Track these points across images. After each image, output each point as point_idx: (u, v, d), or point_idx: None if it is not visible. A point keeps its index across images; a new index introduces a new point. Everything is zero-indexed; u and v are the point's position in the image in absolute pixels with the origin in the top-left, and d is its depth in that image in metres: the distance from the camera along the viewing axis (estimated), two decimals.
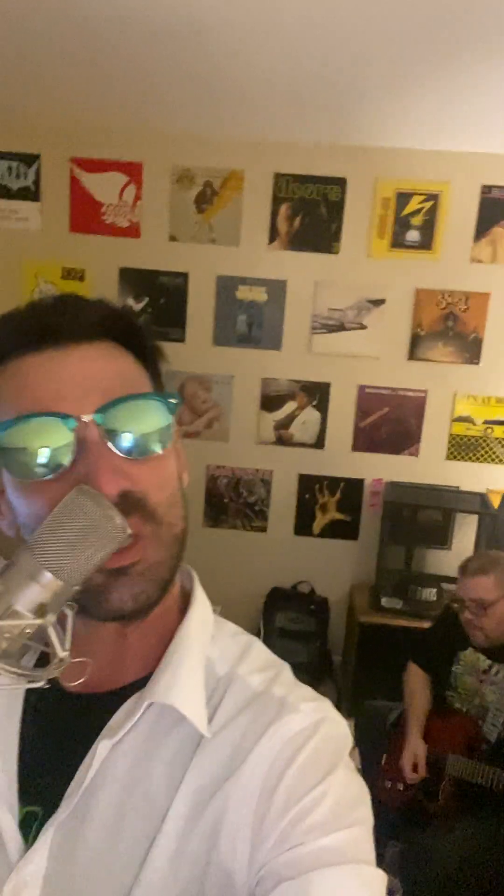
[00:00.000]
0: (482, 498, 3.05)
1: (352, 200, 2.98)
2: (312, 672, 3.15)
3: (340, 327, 3.07)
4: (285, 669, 0.59)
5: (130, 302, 3.11)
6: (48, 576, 0.43)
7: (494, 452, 3.11)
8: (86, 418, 0.47)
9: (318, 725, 0.52)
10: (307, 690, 0.57)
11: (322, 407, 3.15)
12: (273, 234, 3.03)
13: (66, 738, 0.54)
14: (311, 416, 3.16)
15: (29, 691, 0.56)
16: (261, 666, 0.57)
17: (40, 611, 0.43)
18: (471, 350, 3.05)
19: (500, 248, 2.97)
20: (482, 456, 3.12)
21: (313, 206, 2.99)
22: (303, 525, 3.26)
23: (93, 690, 0.55)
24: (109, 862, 0.49)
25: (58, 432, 0.47)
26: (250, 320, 3.10)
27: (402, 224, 2.98)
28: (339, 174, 2.96)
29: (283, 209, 3.00)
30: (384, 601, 2.94)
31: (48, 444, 0.47)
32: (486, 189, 2.92)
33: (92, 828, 0.50)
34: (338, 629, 3.27)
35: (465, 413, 3.10)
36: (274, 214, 3.00)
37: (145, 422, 0.49)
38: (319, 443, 3.18)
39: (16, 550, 0.45)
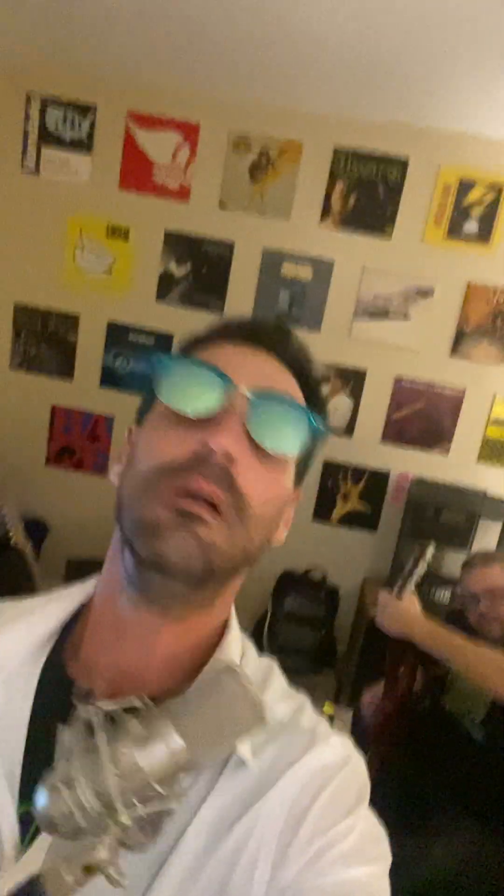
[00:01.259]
0: None
1: (411, 184, 2.87)
2: (315, 659, 3.14)
3: (384, 315, 2.99)
4: (307, 701, 0.59)
5: (172, 266, 3.05)
6: (178, 743, 0.41)
7: None
8: (243, 390, 0.51)
9: (347, 760, 0.54)
10: (328, 725, 0.57)
11: (355, 394, 3.08)
12: (325, 212, 2.93)
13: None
14: (343, 402, 3.09)
15: (41, 691, 0.55)
16: (284, 694, 0.58)
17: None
18: None
19: None
20: None
21: (371, 186, 2.88)
22: (322, 511, 3.22)
23: (113, 695, 0.53)
24: None
25: (214, 385, 0.51)
26: (292, 298, 3.03)
27: (460, 213, 2.86)
28: (402, 155, 2.84)
29: (339, 186, 2.90)
30: None
31: (202, 390, 0.51)
32: None
33: None
34: (345, 620, 3.24)
35: (503, 416, 3.01)
36: (329, 191, 2.91)
37: (286, 422, 0.53)
38: (349, 430, 3.12)
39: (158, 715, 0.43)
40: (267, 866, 0.47)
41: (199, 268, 3.05)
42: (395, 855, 1.50)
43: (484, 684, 1.53)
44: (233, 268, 3.03)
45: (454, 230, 2.87)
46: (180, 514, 0.48)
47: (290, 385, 0.57)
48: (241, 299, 3.04)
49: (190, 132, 2.91)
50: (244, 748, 0.50)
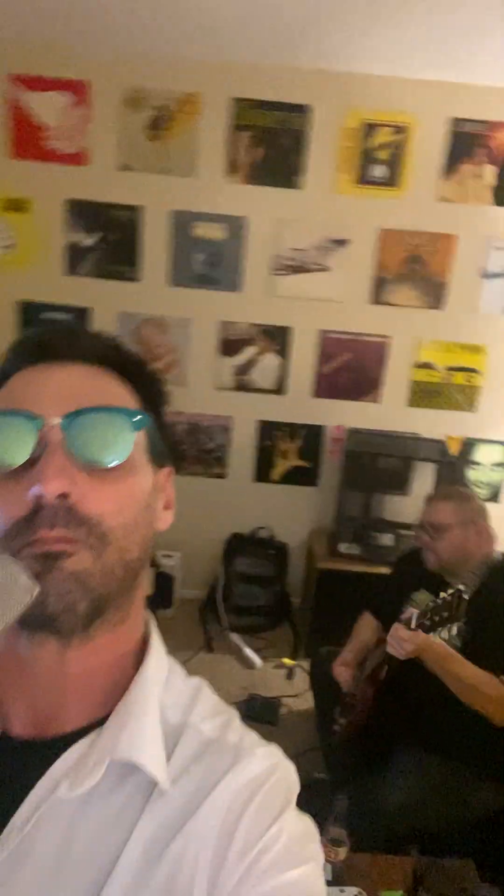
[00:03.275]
0: (441, 445, 3.05)
1: (317, 131, 2.80)
2: (271, 615, 3.21)
3: (303, 269, 2.95)
4: (235, 715, 0.59)
5: (79, 236, 2.91)
6: None
7: (455, 399, 3.10)
8: (52, 421, 0.49)
9: (272, 770, 0.54)
10: (258, 736, 0.57)
11: (283, 352, 3.06)
12: (232, 167, 2.84)
13: (6, 786, 0.51)
14: (271, 361, 3.07)
15: None
16: (211, 712, 0.57)
17: None
18: (435, 294, 2.98)
19: (468, 187, 2.85)
20: (443, 402, 3.11)
21: (275, 136, 2.80)
22: (262, 471, 3.23)
23: (35, 735, 0.52)
24: None
25: (23, 430, 0.49)
26: (208, 260, 2.95)
27: (368, 158, 2.82)
28: (304, 101, 2.76)
29: (243, 138, 2.80)
30: (342, 547, 2.97)
31: (11, 440, 0.49)
32: (456, 122, 2.78)
33: (32, 874, 0.47)
34: (297, 574, 3.31)
35: (428, 359, 3.06)
36: (233, 144, 2.81)
37: (106, 433, 0.51)
38: (280, 388, 3.11)
39: None
40: (203, 886, 0.47)
41: (108, 236, 2.92)
42: (363, 790, 1.57)
43: (478, 709, 1.62)
44: (143, 233, 2.91)
45: (363, 177, 2.84)
46: (41, 558, 0.47)
47: (100, 388, 0.54)
48: (154, 265, 2.95)
49: (80, 91, 2.74)
50: (161, 776, 0.50)
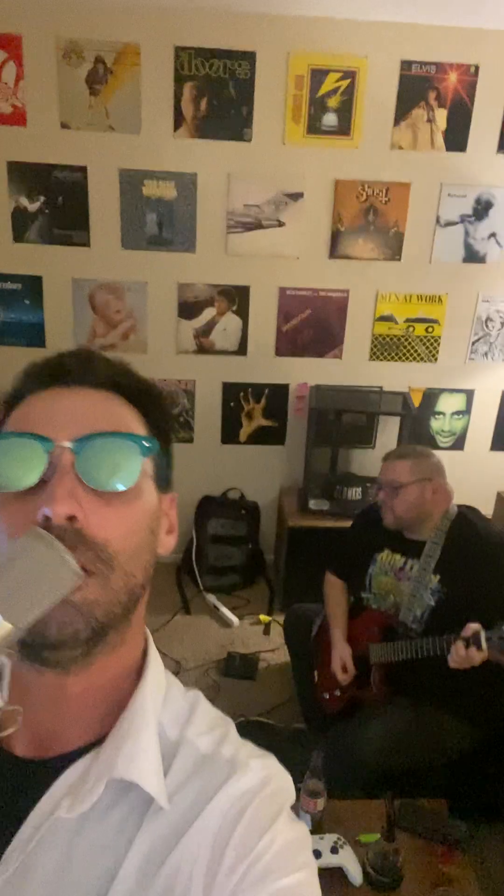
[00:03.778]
0: (404, 397, 3.08)
1: (262, 79, 2.70)
2: (245, 573, 3.27)
3: (258, 225, 2.89)
4: (231, 728, 0.60)
5: (23, 201, 2.80)
6: None
7: (415, 351, 3.12)
8: (63, 444, 0.50)
9: (266, 781, 0.54)
10: (253, 748, 0.58)
11: (242, 312, 3.02)
12: (178, 120, 2.73)
13: (8, 804, 0.53)
14: (231, 322, 3.03)
15: None
16: (208, 726, 0.58)
17: None
18: (392, 246, 2.96)
19: (420, 133, 2.80)
20: (404, 355, 3.12)
21: (220, 86, 2.69)
22: (229, 433, 3.23)
23: (37, 755, 0.54)
24: None
25: (33, 452, 0.50)
26: (160, 220, 2.87)
27: (317, 107, 2.74)
28: (248, 47, 2.65)
29: (188, 90, 2.69)
30: (312, 503, 3.02)
31: (22, 461, 0.50)
32: (406, 65, 2.70)
33: (33, 891, 0.49)
34: (269, 531, 3.36)
35: (387, 312, 3.05)
36: (177, 97, 2.70)
37: (116, 458, 0.52)
38: (242, 349, 3.09)
39: None
40: None
41: (54, 199, 2.81)
42: (339, 737, 1.63)
43: None
44: (90, 195, 2.81)
45: (314, 126, 2.76)
46: None
47: (111, 412, 0.55)
48: (105, 228, 2.86)
49: (11, 45, 2.58)
50: (159, 794, 0.51)
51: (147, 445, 0.54)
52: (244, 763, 0.55)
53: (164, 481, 0.59)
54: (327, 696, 2.07)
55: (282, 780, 0.56)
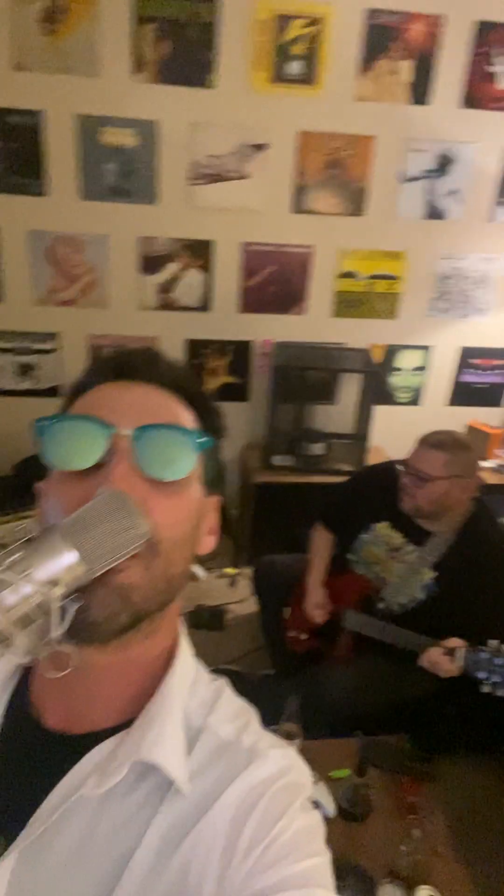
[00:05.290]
0: (365, 354, 3.13)
1: (227, 23, 2.60)
2: None
3: (221, 177, 2.83)
4: (253, 717, 0.61)
5: None
6: (73, 555, 0.45)
7: (377, 307, 3.15)
8: (124, 431, 0.53)
9: (284, 771, 0.56)
10: (274, 738, 0.60)
11: (206, 267, 2.98)
12: (139, 64, 2.62)
13: (36, 773, 0.55)
14: (195, 277, 2.99)
15: (5, 723, 0.57)
16: (231, 715, 0.60)
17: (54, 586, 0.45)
18: (355, 201, 2.95)
19: (385, 85, 2.76)
20: (365, 311, 3.15)
21: (183, 29, 2.58)
22: None
23: (66, 729, 0.56)
24: None
25: (95, 435, 0.53)
26: (120, 169, 2.78)
27: (282, 54, 2.67)
28: None
29: (149, 31, 2.57)
30: (276, 459, 3.07)
31: (83, 442, 0.53)
32: (372, 14, 2.64)
33: (53, 862, 0.51)
34: (233, 488, 3.41)
35: (350, 268, 3.06)
36: (137, 38, 2.58)
37: (172, 449, 0.55)
38: (205, 306, 3.06)
39: (45, 529, 0.47)
40: (213, 883, 0.50)
41: (6, 145, 2.68)
42: (307, 682, 1.73)
43: None
44: (45, 141, 2.69)
45: (279, 74, 2.69)
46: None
47: (170, 409, 0.59)
48: (62, 177, 2.75)
49: None
50: (180, 777, 0.53)
51: (201, 441, 0.57)
52: (264, 752, 0.56)
53: (210, 483, 0.62)
54: (293, 635, 2.16)
55: (300, 772, 0.58)
